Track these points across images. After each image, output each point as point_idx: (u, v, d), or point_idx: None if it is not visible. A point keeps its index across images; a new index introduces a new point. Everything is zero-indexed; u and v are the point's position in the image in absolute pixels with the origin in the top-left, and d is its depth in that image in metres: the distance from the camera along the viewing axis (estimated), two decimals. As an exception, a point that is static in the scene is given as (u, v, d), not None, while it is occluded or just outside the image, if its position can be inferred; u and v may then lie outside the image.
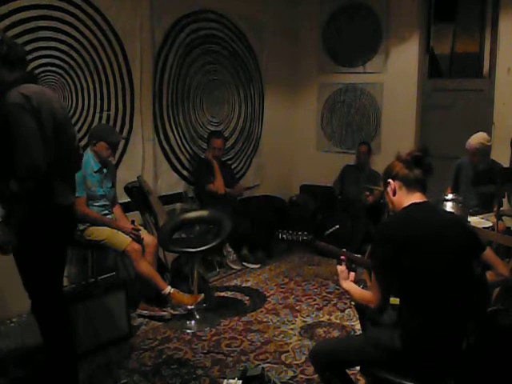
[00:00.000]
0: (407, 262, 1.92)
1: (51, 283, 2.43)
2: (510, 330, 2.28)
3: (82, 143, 3.95)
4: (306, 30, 6.38)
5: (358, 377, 2.82)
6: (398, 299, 2.07)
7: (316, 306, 4.01)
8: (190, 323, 3.61)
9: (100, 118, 4.15)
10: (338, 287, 4.23)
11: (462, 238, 2.00)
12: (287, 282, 4.57)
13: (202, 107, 5.20)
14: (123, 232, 3.57)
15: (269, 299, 4.14)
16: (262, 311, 3.89)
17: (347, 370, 2.27)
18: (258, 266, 4.96)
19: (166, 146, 4.81)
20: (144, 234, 3.74)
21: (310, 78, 6.42)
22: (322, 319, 3.76)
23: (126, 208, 4.07)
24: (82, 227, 3.53)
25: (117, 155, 4.12)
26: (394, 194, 2.12)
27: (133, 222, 3.78)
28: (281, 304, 4.04)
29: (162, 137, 4.75)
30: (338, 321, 3.72)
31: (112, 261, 4.11)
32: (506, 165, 4.37)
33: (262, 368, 2.84)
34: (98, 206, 3.65)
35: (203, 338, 3.44)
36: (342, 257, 2.31)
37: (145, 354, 3.18)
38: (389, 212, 2.24)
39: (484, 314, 2.26)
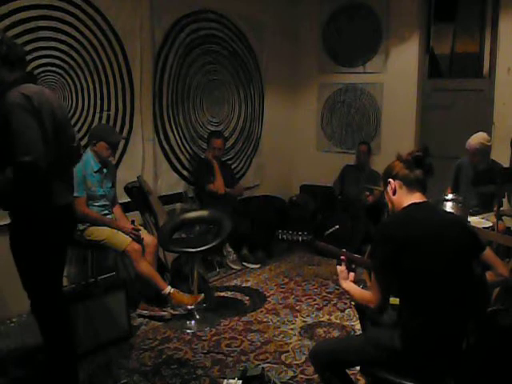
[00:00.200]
0: (407, 261, 1.93)
1: (51, 283, 2.43)
2: (510, 330, 2.28)
3: (82, 143, 3.96)
4: (306, 30, 6.38)
5: (358, 377, 2.82)
6: (397, 299, 2.07)
7: (316, 306, 4.01)
8: (190, 323, 3.61)
9: (100, 118, 4.15)
10: (337, 287, 4.23)
11: (462, 238, 2.00)
12: (287, 282, 4.57)
13: (202, 107, 5.21)
14: (123, 232, 3.57)
15: (269, 299, 4.14)
16: (262, 311, 3.89)
17: (347, 370, 2.27)
18: (258, 266, 4.96)
19: (166, 146, 4.81)
20: (144, 234, 3.75)
21: (310, 78, 6.42)
22: (322, 319, 3.76)
23: (126, 208, 4.07)
24: (81, 227, 3.53)
25: (117, 155, 4.12)
26: (394, 194, 2.12)
27: (133, 221, 3.78)
28: (281, 304, 4.04)
29: (162, 137, 4.75)
30: (338, 321, 3.73)
31: (112, 261, 4.12)
32: (506, 165, 4.37)
33: (262, 368, 2.84)
34: (98, 206, 3.65)
35: (203, 338, 3.44)
36: (342, 257, 2.31)
37: (145, 354, 3.18)
38: (389, 212, 2.24)
39: (484, 314, 2.26)
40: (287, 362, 3.11)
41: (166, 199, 4.74)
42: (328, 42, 6.27)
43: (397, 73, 5.82)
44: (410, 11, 5.67)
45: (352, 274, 2.26)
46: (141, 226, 3.94)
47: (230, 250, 4.92)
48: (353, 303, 3.66)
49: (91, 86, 4.06)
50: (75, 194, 3.25)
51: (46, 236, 2.34)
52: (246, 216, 4.94)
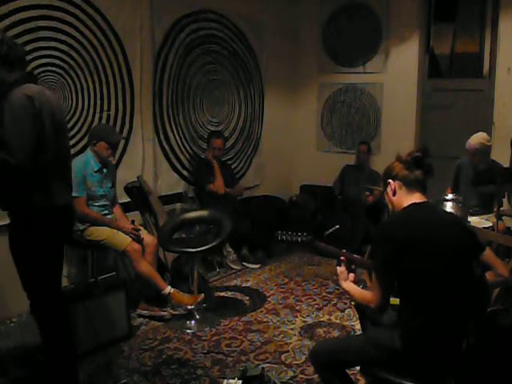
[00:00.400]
0: (407, 262, 1.93)
1: (50, 283, 2.43)
2: (510, 330, 2.28)
3: (82, 143, 3.96)
4: (306, 30, 6.38)
5: (358, 377, 2.82)
6: (397, 299, 2.07)
7: (316, 306, 4.01)
8: (190, 323, 3.61)
9: (100, 118, 4.15)
10: (337, 287, 4.22)
11: (462, 239, 2.00)
12: (287, 282, 4.57)
13: (202, 107, 5.20)
14: (123, 232, 3.57)
15: (269, 299, 4.14)
16: (262, 311, 3.89)
17: (347, 370, 2.27)
18: (258, 266, 4.96)
19: (166, 146, 4.81)
20: (144, 234, 3.74)
21: (310, 78, 6.41)
22: (322, 319, 3.76)
23: (126, 208, 4.07)
24: (81, 227, 3.53)
25: (117, 155, 4.12)
26: (394, 195, 2.12)
27: (133, 221, 3.78)
28: (281, 304, 4.04)
29: (162, 137, 4.75)
30: (338, 321, 3.73)
31: (112, 261, 4.11)
32: (506, 165, 4.37)
33: (262, 368, 2.85)
34: (98, 206, 3.65)
35: (203, 337, 3.44)
36: (342, 258, 2.31)
37: (145, 354, 3.18)
38: (389, 212, 2.24)
39: (484, 314, 2.26)
40: (287, 362, 3.11)
41: (166, 199, 4.74)
42: (328, 42, 6.27)
43: (397, 73, 5.81)
44: (410, 11, 5.67)
45: (352, 275, 2.26)
46: (141, 225, 3.94)
47: (230, 249, 4.92)
48: (353, 303, 3.66)
49: (91, 86, 4.06)
50: (75, 194, 3.27)
51: (45, 236, 2.34)
52: (246, 216, 4.94)
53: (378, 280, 2.00)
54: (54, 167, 2.32)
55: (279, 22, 6.12)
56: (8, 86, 2.23)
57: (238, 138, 5.71)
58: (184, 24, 4.84)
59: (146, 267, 3.55)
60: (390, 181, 2.13)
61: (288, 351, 3.25)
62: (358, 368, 2.62)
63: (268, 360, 3.13)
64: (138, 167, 4.47)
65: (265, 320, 3.73)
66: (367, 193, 5.37)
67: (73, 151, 3.84)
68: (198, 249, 3.65)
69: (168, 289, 3.55)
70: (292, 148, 6.59)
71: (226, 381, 2.70)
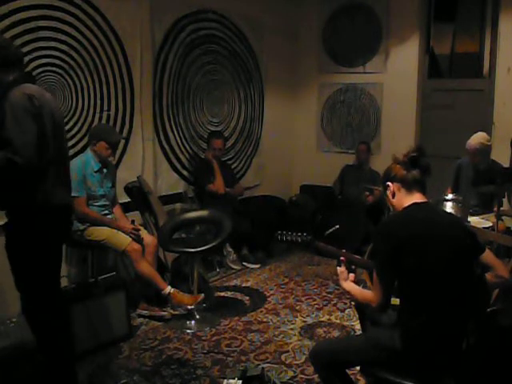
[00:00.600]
0: (407, 261, 1.93)
1: (49, 283, 2.43)
2: (510, 330, 2.28)
3: (82, 143, 3.96)
4: (306, 30, 6.38)
5: (358, 377, 2.82)
6: (397, 299, 2.07)
7: (316, 306, 4.01)
8: (190, 323, 3.61)
9: (100, 118, 4.15)
10: (337, 287, 4.22)
11: (462, 239, 2.00)
12: (287, 282, 4.57)
13: (202, 107, 5.20)
14: (123, 232, 3.57)
15: (269, 299, 4.14)
16: (261, 311, 3.89)
17: (347, 370, 2.27)
18: (258, 266, 4.96)
19: (166, 146, 4.81)
20: (144, 234, 3.74)
21: (310, 78, 6.41)
22: (322, 319, 3.76)
23: (126, 208, 4.07)
24: (81, 227, 3.53)
25: (117, 155, 4.12)
26: (394, 197, 2.13)
27: (133, 221, 3.78)
28: (281, 304, 4.04)
29: (162, 137, 4.75)
30: (338, 321, 3.73)
31: (112, 261, 4.11)
32: (506, 165, 4.37)
33: (262, 368, 2.84)
34: (98, 206, 3.65)
35: (203, 338, 3.44)
36: (342, 257, 2.31)
37: (145, 354, 3.18)
38: (389, 212, 2.24)
39: (484, 314, 2.26)
40: (287, 362, 3.11)
41: (166, 199, 4.74)
42: (328, 42, 6.27)
43: (397, 73, 5.81)
44: (410, 11, 5.67)
45: (352, 275, 2.26)
46: (141, 226, 3.93)
47: (230, 249, 4.92)
48: (353, 303, 3.67)
49: (91, 86, 4.06)
50: (75, 194, 3.27)
51: (44, 236, 2.34)
52: (246, 216, 4.94)
53: (379, 279, 2.00)
54: (53, 167, 2.32)
55: (279, 22, 6.11)
56: (6, 85, 2.23)
57: (238, 138, 5.71)
58: (184, 24, 4.84)
59: (146, 267, 3.55)
60: (389, 183, 2.14)
61: (288, 351, 3.25)
62: (358, 368, 2.62)
63: (268, 360, 3.13)
64: (138, 167, 4.46)
65: (265, 320, 3.73)
66: (367, 193, 5.38)
67: (73, 151, 3.84)
68: (198, 249, 3.65)
69: (168, 289, 3.55)
70: (292, 148, 6.59)
71: (226, 381, 2.70)
